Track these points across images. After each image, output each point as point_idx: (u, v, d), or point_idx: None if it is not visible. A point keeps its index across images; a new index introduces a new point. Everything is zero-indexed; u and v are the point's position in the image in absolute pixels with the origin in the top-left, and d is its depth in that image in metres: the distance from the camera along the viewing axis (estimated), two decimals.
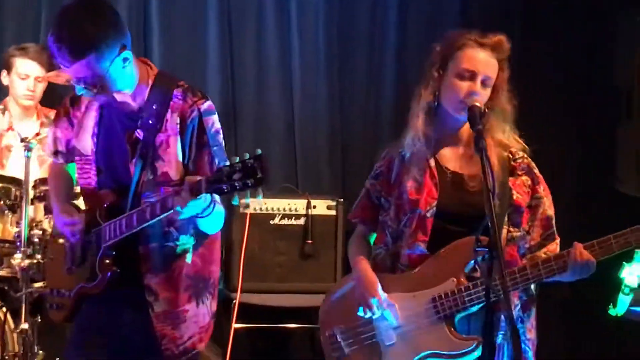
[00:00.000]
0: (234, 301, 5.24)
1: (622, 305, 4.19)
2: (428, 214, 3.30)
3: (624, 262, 3.98)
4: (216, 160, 3.22)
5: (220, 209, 3.26)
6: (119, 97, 3.28)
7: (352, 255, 3.52)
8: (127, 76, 3.23)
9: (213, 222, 3.29)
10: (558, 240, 3.39)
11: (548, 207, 3.38)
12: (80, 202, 3.53)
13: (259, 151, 2.85)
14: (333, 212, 5.46)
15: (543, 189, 3.39)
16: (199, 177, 2.99)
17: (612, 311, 4.22)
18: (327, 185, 5.94)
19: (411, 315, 3.32)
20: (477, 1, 6.04)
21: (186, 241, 3.32)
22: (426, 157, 3.34)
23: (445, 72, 3.29)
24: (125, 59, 3.18)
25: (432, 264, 3.31)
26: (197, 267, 3.35)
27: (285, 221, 5.44)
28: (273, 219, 5.44)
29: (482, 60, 3.28)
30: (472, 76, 3.26)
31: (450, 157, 3.38)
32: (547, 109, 5.96)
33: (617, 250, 3.25)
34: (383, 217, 3.42)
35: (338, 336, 3.44)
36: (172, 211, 3.07)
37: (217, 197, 3.22)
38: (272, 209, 5.42)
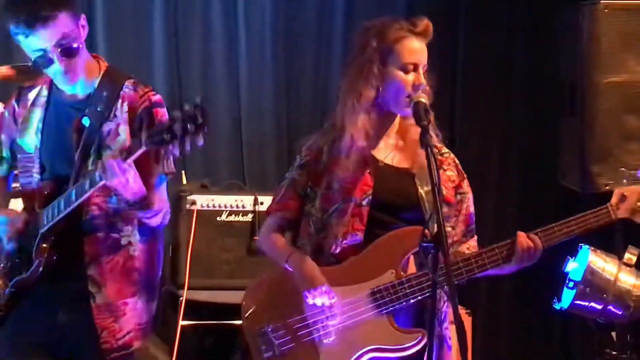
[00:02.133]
0: (181, 298, 5.17)
1: (566, 298, 4.23)
2: (364, 202, 3.25)
3: (568, 257, 4.03)
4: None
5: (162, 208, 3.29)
6: (68, 90, 3.27)
7: (276, 246, 3.39)
8: (83, 52, 3.21)
9: (155, 219, 3.30)
10: (476, 237, 3.40)
11: (471, 203, 3.39)
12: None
13: (198, 99, 2.85)
14: None
15: (466, 185, 3.39)
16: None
17: (557, 305, 4.26)
18: (274, 182, 5.88)
19: (350, 310, 3.24)
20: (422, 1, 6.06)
21: (131, 233, 3.29)
22: (361, 149, 3.28)
23: (385, 67, 3.23)
24: (83, 26, 3.19)
25: (369, 255, 3.25)
26: (140, 263, 3.33)
27: (233, 218, 5.40)
28: (220, 215, 5.39)
29: (420, 50, 3.25)
30: (415, 68, 3.23)
31: (383, 149, 3.34)
32: (492, 103, 6.01)
33: (560, 239, 3.28)
34: (308, 208, 3.34)
35: (270, 334, 3.28)
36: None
37: (162, 193, 3.26)
38: (219, 205, 5.38)
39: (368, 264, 3.24)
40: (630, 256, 4.17)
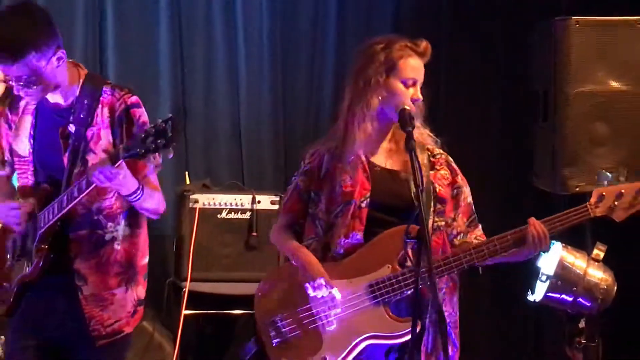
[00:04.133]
0: (184, 289, 5.23)
1: (539, 291, 4.25)
2: (363, 204, 3.30)
3: (541, 252, 4.04)
4: None
5: (154, 195, 3.32)
6: (51, 98, 3.31)
7: (285, 243, 3.46)
8: (60, 74, 3.25)
9: (149, 205, 3.32)
10: (480, 226, 3.45)
11: (468, 194, 3.44)
12: None
13: (170, 115, 2.95)
14: (276, 207, 5.48)
15: (461, 179, 3.44)
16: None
17: (531, 297, 4.28)
18: (270, 182, 5.95)
19: (349, 301, 3.28)
20: (408, 6, 6.08)
21: (114, 229, 3.33)
22: (358, 154, 3.34)
23: (389, 80, 3.28)
24: (59, 58, 3.21)
25: (367, 251, 3.29)
26: (126, 255, 3.36)
27: (232, 215, 5.44)
28: (220, 213, 5.43)
29: (419, 68, 3.32)
30: (414, 83, 3.30)
31: (380, 154, 3.39)
32: (471, 110, 6.02)
33: (568, 226, 3.31)
34: (313, 210, 3.39)
35: (279, 323, 3.35)
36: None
37: (154, 180, 3.32)
38: (220, 203, 5.43)
39: (367, 259, 3.29)
40: (598, 252, 4.20)
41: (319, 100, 6.06)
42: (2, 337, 4.62)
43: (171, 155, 2.94)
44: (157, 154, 2.94)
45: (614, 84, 4.77)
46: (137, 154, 2.95)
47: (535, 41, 5.15)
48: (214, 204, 5.41)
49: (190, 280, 5.24)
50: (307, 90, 6.09)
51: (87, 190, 3.12)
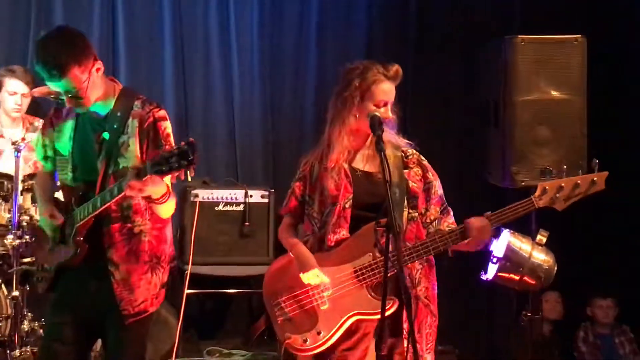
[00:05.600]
0: (186, 272, 5.31)
1: (491, 271, 4.29)
2: (347, 205, 3.43)
3: (492, 238, 4.09)
4: None
5: (172, 200, 3.37)
6: (91, 107, 3.37)
7: (286, 239, 3.59)
8: (100, 85, 3.32)
9: (167, 209, 3.39)
10: (451, 212, 3.54)
11: (438, 187, 3.54)
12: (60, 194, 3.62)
13: (191, 139, 2.98)
14: (266, 200, 5.59)
15: (432, 175, 3.54)
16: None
17: (484, 276, 4.33)
18: (260, 179, 6.05)
19: (338, 284, 3.41)
20: (379, 34, 6.20)
21: (142, 223, 3.38)
22: (341, 162, 3.47)
23: (363, 102, 3.39)
24: (98, 69, 3.29)
25: (351, 243, 3.43)
26: (151, 245, 3.42)
27: (228, 207, 5.56)
28: (218, 205, 5.56)
29: (390, 91, 3.42)
30: (385, 104, 3.41)
31: (359, 159, 3.52)
32: (433, 117, 6.10)
33: (499, 224, 3.40)
34: (309, 211, 3.53)
35: (282, 304, 3.47)
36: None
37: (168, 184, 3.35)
38: (217, 197, 5.57)
39: (351, 249, 3.42)
40: (541, 237, 4.21)
41: (302, 110, 6.22)
42: (30, 314, 4.69)
43: (192, 175, 2.97)
44: (180, 171, 2.95)
45: (555, 93, 4.88)
46: (162, 171, 2.99)
47: (487, 57, 5.23)
48: (212, 198, 5.53)
49: (192, 264, 5.30)
50: (291, 101, 6.25)
51: (117, 197, 3.20)
